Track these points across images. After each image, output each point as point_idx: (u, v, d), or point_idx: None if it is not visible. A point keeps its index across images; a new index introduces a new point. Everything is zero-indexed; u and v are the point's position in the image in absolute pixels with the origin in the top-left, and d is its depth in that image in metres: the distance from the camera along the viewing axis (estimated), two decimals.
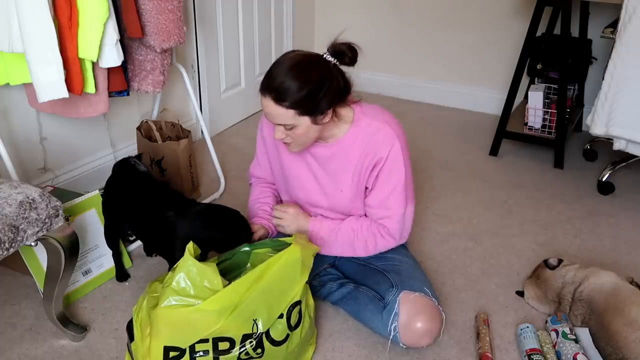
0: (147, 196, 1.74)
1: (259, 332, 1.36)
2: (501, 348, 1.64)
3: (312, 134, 1.49)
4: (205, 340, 1.31)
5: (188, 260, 1.34)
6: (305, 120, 1.44)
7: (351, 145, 1.55)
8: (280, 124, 1.45)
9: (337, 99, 1.48)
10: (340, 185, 1.61)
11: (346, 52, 1.45)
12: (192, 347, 1.32)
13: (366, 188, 1.61)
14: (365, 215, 1.66)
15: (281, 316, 1.40)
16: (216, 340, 1.32)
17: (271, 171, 1.79)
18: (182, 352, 1.31)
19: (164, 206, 1.66)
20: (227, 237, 1.61)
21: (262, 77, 1.45)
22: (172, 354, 1.32)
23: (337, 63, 1.46)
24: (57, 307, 1.59)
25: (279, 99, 1.40)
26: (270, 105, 1.42)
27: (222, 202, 2.32)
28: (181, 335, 1.31)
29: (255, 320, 1.35)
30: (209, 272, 1.33)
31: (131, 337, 1.43)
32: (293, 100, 1.39)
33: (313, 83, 1.41)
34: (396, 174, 1.55)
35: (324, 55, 1.45)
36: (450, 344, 1.64)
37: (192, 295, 1.31)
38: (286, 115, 1.42)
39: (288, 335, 1.42)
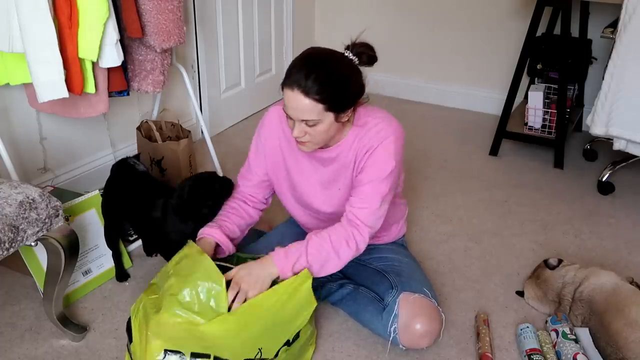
0: (146, 195, 1.75)
1: (262, 357, 1.36)
2: (501, 348, 1.63)
3: (331, 132, 1.46)
4: (207, 356, 1.31)
5: (198, 277, 1.33)
6: (330, 116, 1.41)
7: (351, 144, 1.54)
8: (305, 120, 1.41)
9: (358, 98, 1.48)
10: (338, 184, 1.60)
11: (365, 52, 1.45)
12: (193, 357, 1.31)
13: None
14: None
15: (287, 342, 1.40)
16: (218, 357, 1.32)
17: (269, 179, 1.71)
18: (182, 357, 1.31)
19: (153, 205, 1.70)
20: (209, 213, 1.67)
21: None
22: (169, 356, 1.31)
23: (357, 62, 1.45)
24: (57, 307, 1.59)
25: (310, 93, 1.36)
26: (298, 99, 1.38)
27: None
28: (182, 343, 1.31)
29: (260, 350, 1.34)
30: (218, 293, 1.32)
31: (130, 338, 1.43)
32: (324, 94, 1.37)
33: (343, 78, 1.41)
34: (381, 165, 1.49)
35: (346, 54, 1.45)
36: (450, 344, 1.64)
37: (196, 312, 1.31)
38: (314, 109, 1.38)
39: (287, 350, 1.43)
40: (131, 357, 1.43)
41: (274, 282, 1.42)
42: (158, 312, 1.32)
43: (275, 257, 1.45)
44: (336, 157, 1.56)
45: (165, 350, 1.31)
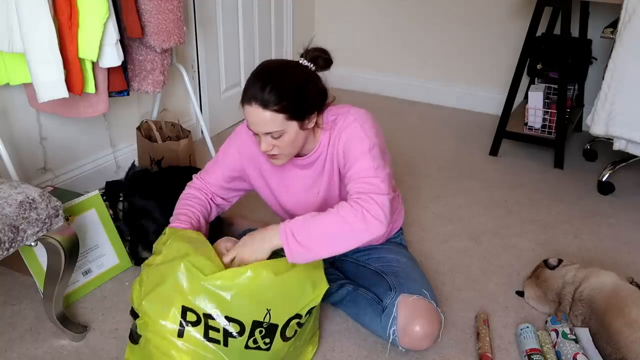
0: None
1: (270, 322, 1.35)
2: (501, 348, 1.64)
3: (298, 141, 1.46)
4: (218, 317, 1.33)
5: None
6: (294, 125, 1.41)
7: (326, 147, 1.53)
8: (269, 132, 1.41)
9: (320, 103, 1.48)
10: (316, 189, 1.59)
11: (320, 55, 1.45)
12: (206, 319, 1.32)
13: (342, 177, 1.53)
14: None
15: (298, 316, 1.39)
16: (228, 320, 1.32)
17: (240, 186, 1.70)
18: (198, 317, 1.32)
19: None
20: None
21: None
22: (189, 315, 1.32)
23: (313, 67, 1.45)
24: (57, 307, 1.59)
25: (267, 105, 1.37)
26: (257, 112, 1.38)
27: None
28: (195, 298, 1.32)
29: (269, 311, 1.34)
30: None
31: (135, 316, 1.41)
32: (282, 104, 1.37)
33: (298, 85, 1.40)
34: (360, 143, 1.45)
35: (300, 61, 1.45)
36: (450, 344, 1.64)
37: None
38: (275, 120, 1.38)
39: (296, 331, 1.42)
40: (134, 341, 1.42)
41: (277, 254, 1.41)
42: (173, 262, 1.34)
43: (282, 227, 1.39)
44: (314, 162, 1.56)
45: (184, 308, 1.31)
